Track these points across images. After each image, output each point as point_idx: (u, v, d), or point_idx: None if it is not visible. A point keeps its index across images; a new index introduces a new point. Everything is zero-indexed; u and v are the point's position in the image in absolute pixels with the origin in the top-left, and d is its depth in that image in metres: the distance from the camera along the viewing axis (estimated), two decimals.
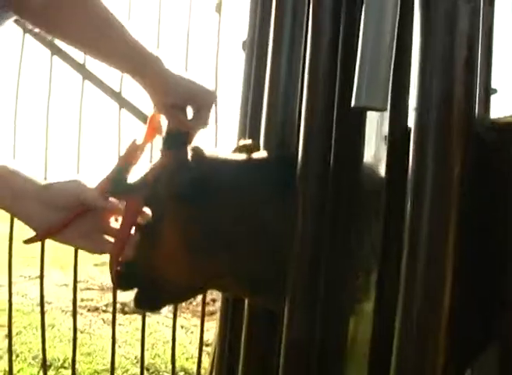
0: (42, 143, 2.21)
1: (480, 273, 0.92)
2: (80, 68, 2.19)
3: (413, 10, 0.91)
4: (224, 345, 1.80)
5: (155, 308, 1.35)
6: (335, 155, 1.10)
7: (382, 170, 0.96)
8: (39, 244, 2.16)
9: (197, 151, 1.16)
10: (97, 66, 2.19)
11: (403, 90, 0.96)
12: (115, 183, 1.04)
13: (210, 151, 1.22)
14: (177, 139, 1.12)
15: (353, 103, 0.85)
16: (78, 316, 2.75)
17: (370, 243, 0.98)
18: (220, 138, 2.24)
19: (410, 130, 0.89)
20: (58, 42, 2.12)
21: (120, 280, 1.09)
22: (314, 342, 1.09)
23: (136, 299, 1.23)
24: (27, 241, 0.98)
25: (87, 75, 2.19)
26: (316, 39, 1.12)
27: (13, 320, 4.00)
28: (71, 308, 2.35)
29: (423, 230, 0.84)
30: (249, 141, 1.36)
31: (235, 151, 1.34)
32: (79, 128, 2.21)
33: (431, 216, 0.84)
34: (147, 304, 1.27)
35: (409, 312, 0.85)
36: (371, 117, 1.01)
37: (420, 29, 0.88)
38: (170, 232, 1.14)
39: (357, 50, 0.83)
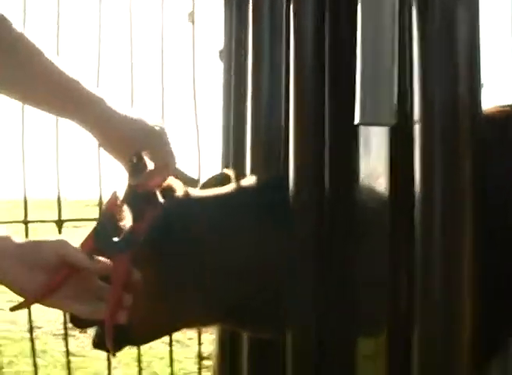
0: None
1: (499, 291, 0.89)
2: None
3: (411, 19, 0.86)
4: (224, 358, 1.76)
5: (117, 350, 1.27)
6: (329, 173, 1.06)
7: (381, 187, 0.92)
8: None
9: (169, 193, 1.11)
10: None
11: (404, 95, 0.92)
12: (100, 240, 0.98)
13: (184, 190, 1.18)
14: (140, 198, 1.02)
15: (357, 120, 0.80)
16: (71, 339, 2.69)
17: (373, 263, 0.95)
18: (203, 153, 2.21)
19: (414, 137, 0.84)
20: None
21: (116, 345, 1.03)
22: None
23: (98, 341, 1.16)
24: (14, 308, 0.93)
25: None
26: (299, 48, 1.07)
27: (3, 349, 3.95)
28: (63, 331, 2.29)
29: (435, 245, 0.80)
30: (224, 172, 1.33)
31: (209, 182, 1.31)
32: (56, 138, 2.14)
33: (443, 226, 0.79)
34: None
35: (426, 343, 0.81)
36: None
37: (418, 35, 0.83)
38: (144, 283, 1.05)
39: (343, 54, 0.80)
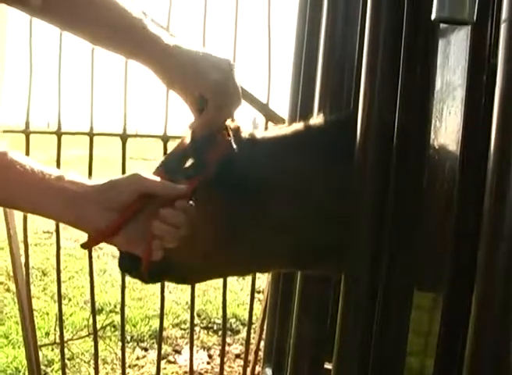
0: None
1: None
2: None
3: None
4: (276, 292, 1.74)
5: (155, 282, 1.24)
6: (400, 110, 0.95)
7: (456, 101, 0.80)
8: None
9: (236, 134, 1.05)
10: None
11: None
12: (169, 168, 0.95)
13: (250, 132, 1.11)
14: (206, 142, 0.99)
15: (434, 15, 0.73)
16: None
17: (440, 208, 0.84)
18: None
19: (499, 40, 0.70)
20: None
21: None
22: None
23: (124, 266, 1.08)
24: (83, 246, 0.92)
25: None
26: None
27: (66, 265, 4.13)
28: None
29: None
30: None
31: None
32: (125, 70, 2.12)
33: None
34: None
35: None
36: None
37: None
38: (204, 226, 1.03)
39: None
